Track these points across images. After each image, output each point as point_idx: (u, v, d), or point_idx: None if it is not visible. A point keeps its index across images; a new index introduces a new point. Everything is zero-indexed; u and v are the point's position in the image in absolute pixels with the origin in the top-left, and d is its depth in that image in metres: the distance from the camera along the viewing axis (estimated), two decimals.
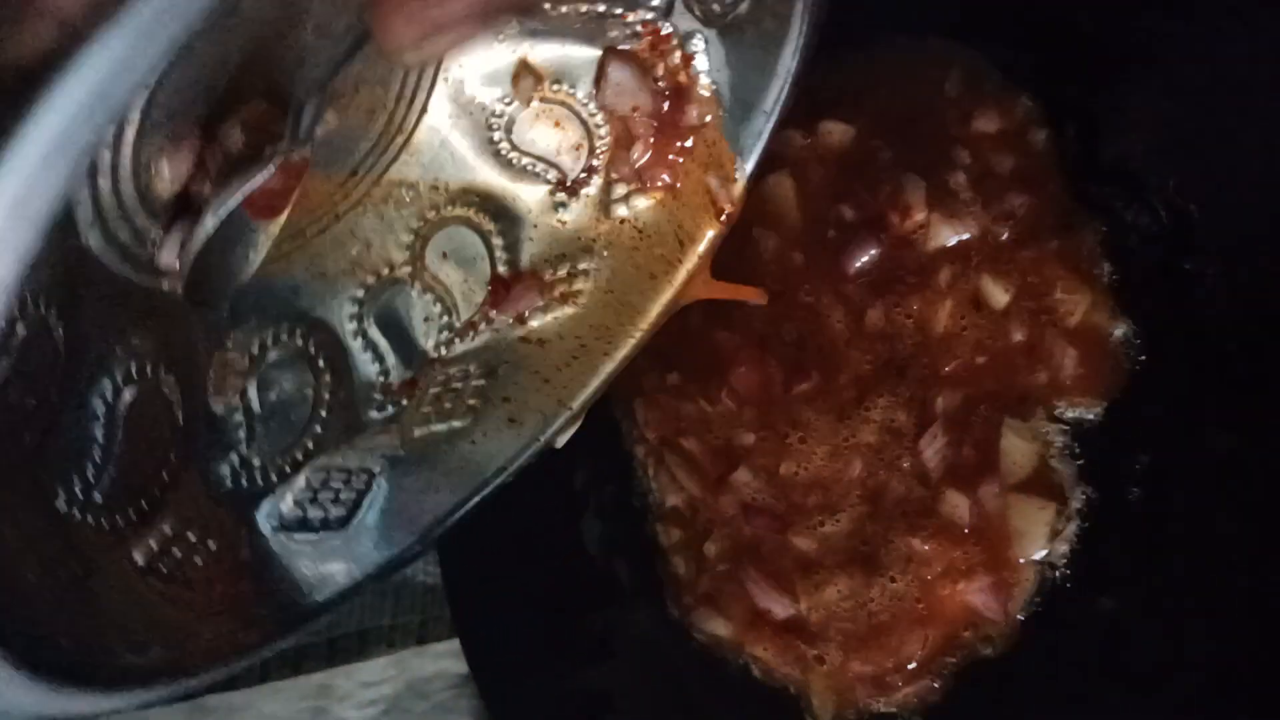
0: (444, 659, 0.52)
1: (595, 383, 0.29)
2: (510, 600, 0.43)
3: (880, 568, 0.33)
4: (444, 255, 0.27)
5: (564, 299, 0.29)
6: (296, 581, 0.26)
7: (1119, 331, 0.31)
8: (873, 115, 0.34)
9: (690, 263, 0.29)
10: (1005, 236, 0.32)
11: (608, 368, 0.29)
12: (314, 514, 0.26)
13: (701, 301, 0.36)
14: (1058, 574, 0.31)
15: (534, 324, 0.29)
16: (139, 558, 0.23)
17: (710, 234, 0.28)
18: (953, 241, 0.32)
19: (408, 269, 0.27)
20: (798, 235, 0.35)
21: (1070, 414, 0.31)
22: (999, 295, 0.31)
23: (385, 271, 0.27)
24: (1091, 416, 0.31)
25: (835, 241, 0.35)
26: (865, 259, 0.34)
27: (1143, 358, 0.31)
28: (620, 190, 0.28)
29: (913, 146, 0.33)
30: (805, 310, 0.35)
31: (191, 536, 0.24)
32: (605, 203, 0.28)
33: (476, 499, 0.29)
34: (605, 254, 0.29)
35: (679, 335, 0.37)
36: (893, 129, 0.33)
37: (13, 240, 0.14)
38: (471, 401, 0.28)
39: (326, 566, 0.26)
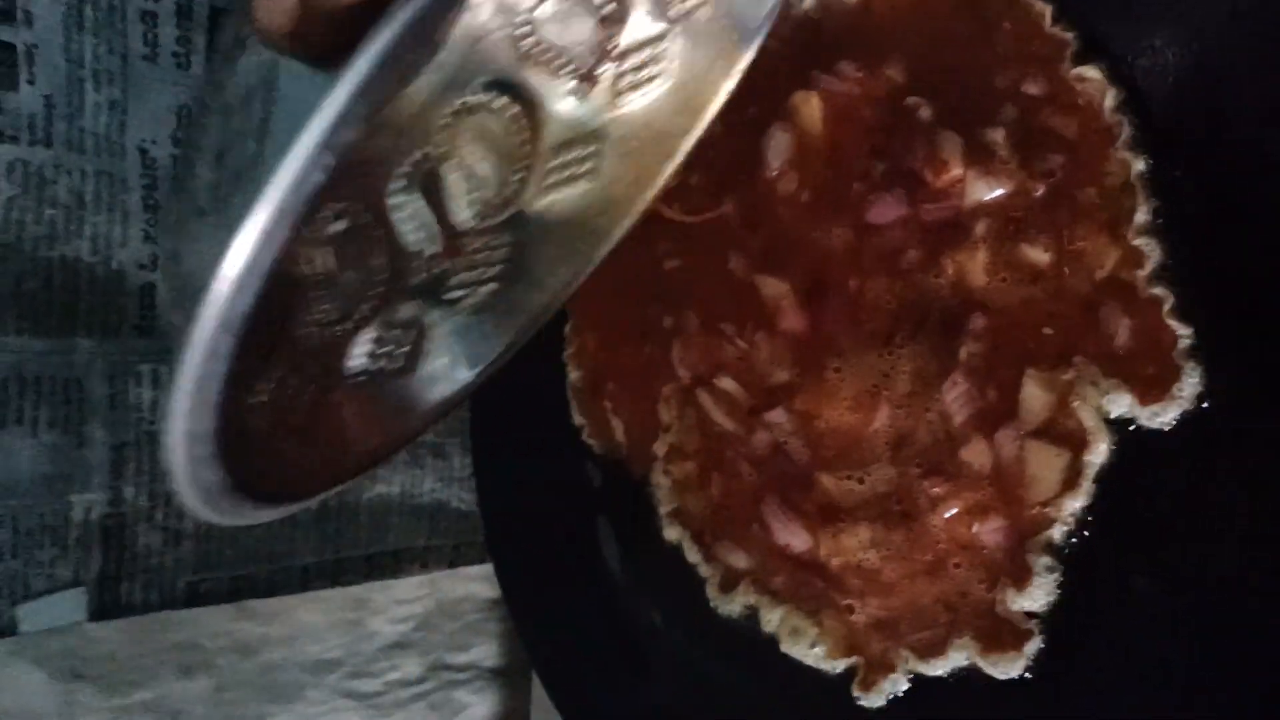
0: (474, 582, 0.55)
1: (609, 244, 0.35)
2: (542, 527, 0.45)
3: (903, 517, 0.35)
4: (474, 139, 0.31)
5: (580, 177, 0.33)
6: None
7: (1169, 305, 0.31)
8: (921, 65, 0.35)
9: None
10: (1041, 193, 0.33)
11: (618, 232, 0.35)
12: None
13: (744, 247, 0.38)
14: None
15: (554, 196, 0.33)
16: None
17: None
18: (988, 198, 0.33)
19: (445, 149, 0.30)
20: (816, 173, 0.37)
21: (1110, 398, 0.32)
22: (1038, 254, 0.32)
23: (427, 151, 0.30)
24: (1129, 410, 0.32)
25: (858, 193, 0.36)
26: (892, 215, 0.35)
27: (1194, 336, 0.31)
28: (630, 75, 0.32)
29: (955, 101, 0.34)
30: (835, 254, 0.36)
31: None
32: (617, 89, 0.32)
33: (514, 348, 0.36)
34: (615, 135, 0.33)
35: (722, 278, 0.39)
36: (939, 82, 0.34)
37: None
38: (501, 267, 0.33)
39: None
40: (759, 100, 0.38)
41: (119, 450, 0.42)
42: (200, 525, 0.44)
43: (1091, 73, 0.33)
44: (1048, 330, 0.33)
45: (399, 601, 0.52)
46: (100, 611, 0.41)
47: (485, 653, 0.57)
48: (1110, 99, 0.32)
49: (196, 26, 0.44)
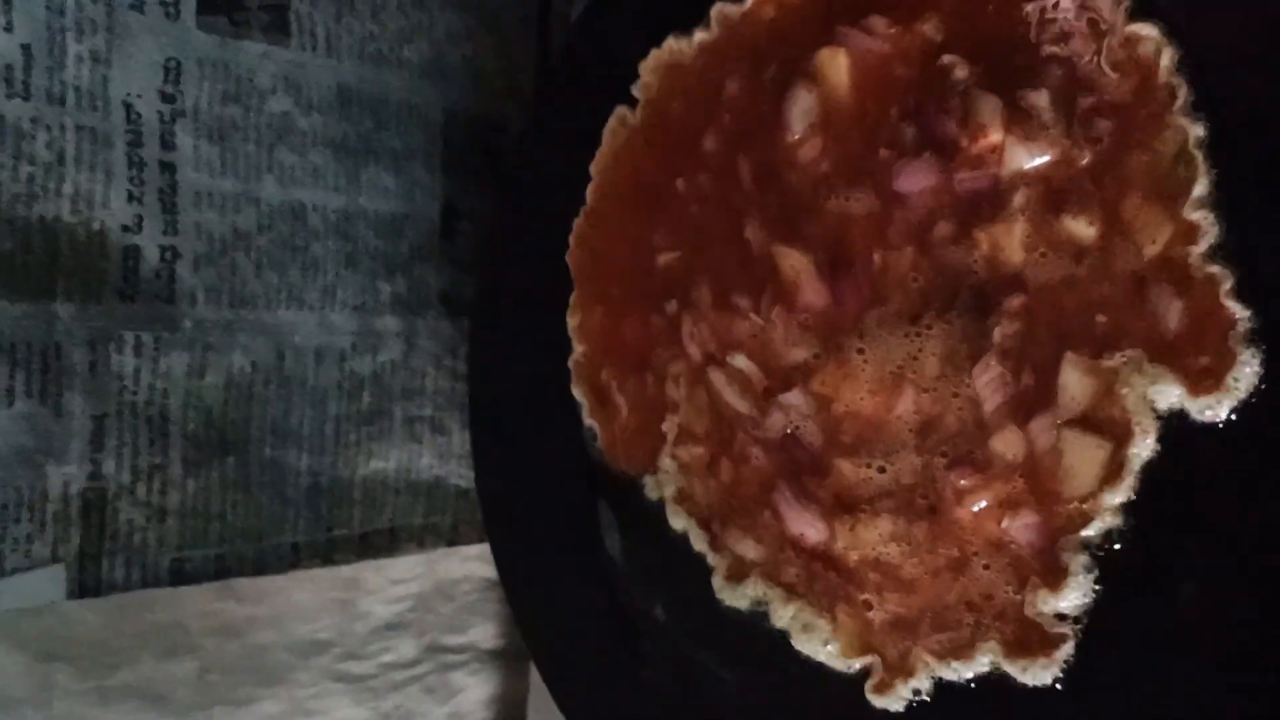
0: (472, 562, 0.53)
1: None
2: (541, 510, 0.43)
3: (927, 510, 0.32)
4: None
5: None
6: None
7: (1227, 285, 0.28)
8: (958, 21, 0.32)
9: None
10: (1086, 162, 0.30)
11: None
12: None
13: (762, 216, 0.35)
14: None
15: None
16: None
17: None
18: (1029, 166, 0.31)
19: None
20: (841, 138, 0.34)
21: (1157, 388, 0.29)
22: (1082, 228, 0.30)
23: None
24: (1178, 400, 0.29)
25: (886, 160, 0.33)
26: (922, 183, 0.32)
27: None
28: None
29: (995, 61, 0.31)
30: (861, 224, 0.33)
31: None
32: None
33: None
34: None
35: (736, 249, 0.36)
36: (978, 39, 0.31)
37: None
38: None
39: None
40: (779, 59, 0.35)
41: (99, 421, 0.40)
42: (185, 500, 0.42)
43: (1147, 29, 0.30)
44: (1090, 311, 0.30)
45: (394, 581, 0.51)
46: (80, 590, 0.40)
47: (483, 634, 0.55)
48: (1167, 58, 0.30)
49: None
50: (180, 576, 0.42)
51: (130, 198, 0.40)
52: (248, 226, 0.44)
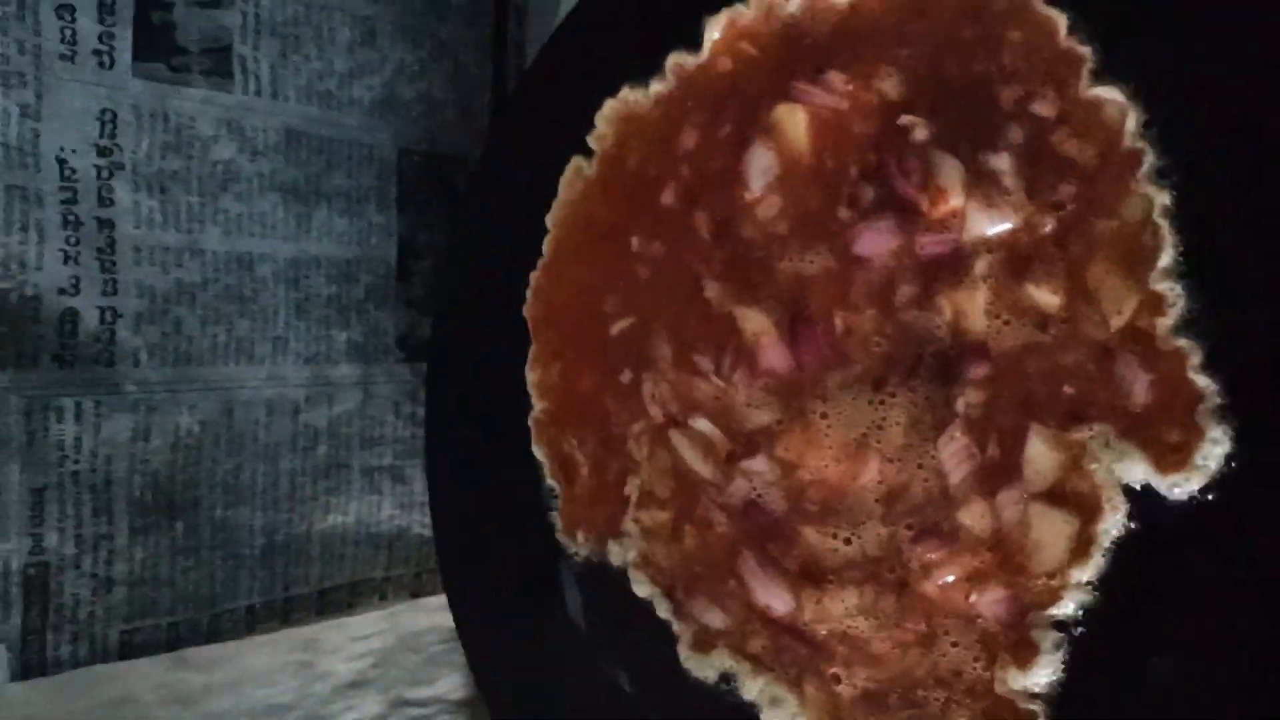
0: (438, 613, 0.51)
1: None
2: (501, 572, 0.42)
3: (894, 583, 0.31)
4: None
5: None
6: None
7: (1195, 359, 0.27)
8: (918, 78, 0.31)
9: None
10: (1050, 228, 0.29)
11: None
12: None
13: (722, 274, 0.34)
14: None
15: None
16: None
17: None
18: (991, 232, 0.30)
19: None
20: (800, 196, 0.33)
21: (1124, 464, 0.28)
22: (1046, 296, 0.29)
23: None
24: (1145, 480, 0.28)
25: (845, 220, 0.32)
26: (882, 247, 0.31)
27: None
28: None
29: (955, 121, 0.30)
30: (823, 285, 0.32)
31: None
32: None
33: None
34: None
35: (696, 308, 0.35)
36: (937, 98, 0.30)
37: None
38: None
39: None
40: (736, 115, 0.34)
41: (39, 493, 0.38)
42: (133, 569, 0.41)
43: (1111, 92, 0.29)
44: (1057, 381, 0.29)
45: (355, 638, 0.49)
46: (23, 671, 0.38)
47: (450, 685, 0.54)
48: (1132, 122, 0.29)
49: (120, 20, 0.40)
50: (130, 649, 0.41)
51: (66, 258, 0.39)
52: (192, 280, 0.42)
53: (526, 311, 0.40)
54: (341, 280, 0.47)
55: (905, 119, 0.31)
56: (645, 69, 0.37)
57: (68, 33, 0.39)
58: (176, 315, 0.42)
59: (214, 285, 0.43)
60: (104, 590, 0.40)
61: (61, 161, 0.39)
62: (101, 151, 0.40)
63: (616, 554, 0.38)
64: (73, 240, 0.39)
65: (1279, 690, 0.27)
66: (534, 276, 0.40)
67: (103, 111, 0.40)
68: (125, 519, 0.41)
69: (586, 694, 0.38)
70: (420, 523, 0.51)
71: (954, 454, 0.30)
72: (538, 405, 0.40)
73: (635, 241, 0.36)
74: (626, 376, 0.36)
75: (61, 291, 0.39)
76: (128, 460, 0.41)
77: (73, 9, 0.39)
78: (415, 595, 0.51)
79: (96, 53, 0.40)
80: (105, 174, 0.40)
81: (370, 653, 0.50)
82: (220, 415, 0.43)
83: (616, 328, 0.37)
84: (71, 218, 0.39)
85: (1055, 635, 0.29)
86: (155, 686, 0.42)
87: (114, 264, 0.40)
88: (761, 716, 0.34)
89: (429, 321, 0.49)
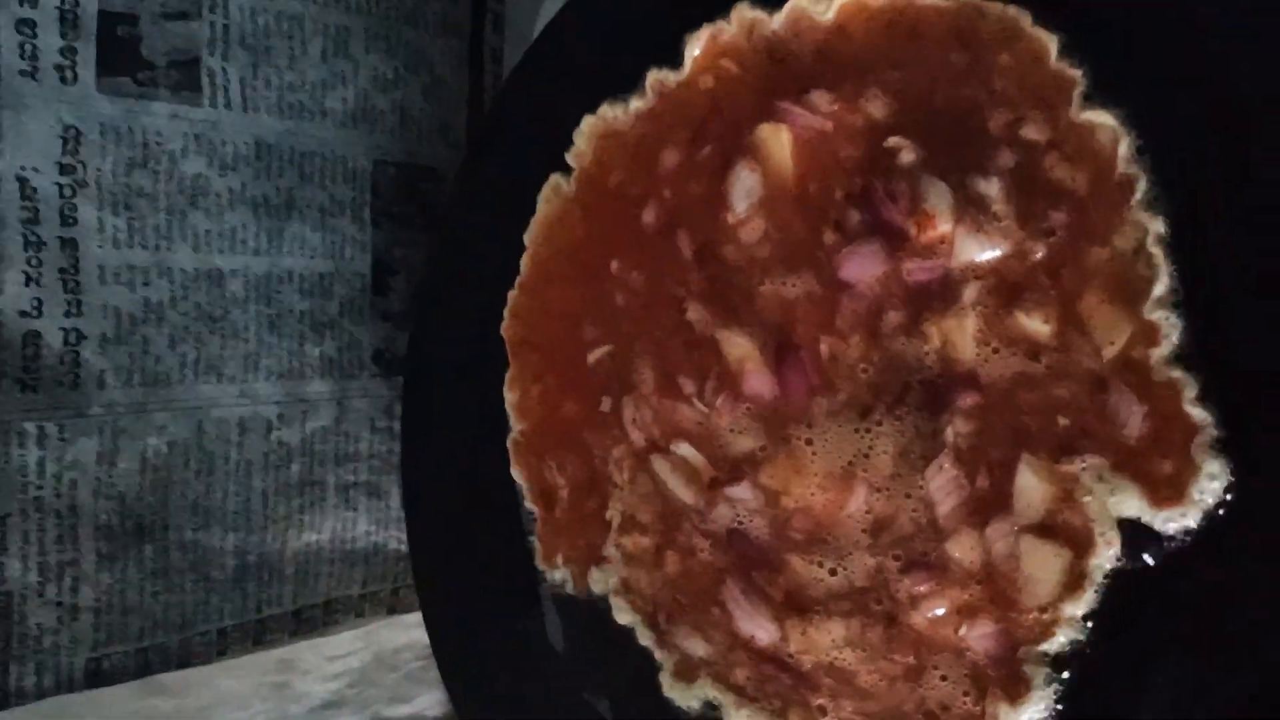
0: (415, 629, 0.50)
1: None
2: (479, 598, 0.41)
3: (881, 615, 0.31)
4: None
5: None
6: None
7: (1190, 391, 0.27)
8: (906, 100, 0.30)
9: None
10: (1040, 255, 0.28)
11: None
12: None
13: (705, 297, 0.33)
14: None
15: None
16: None
17: None
18: (980, 258, 0.29)
19: None
20: (784, 220, 0.32)
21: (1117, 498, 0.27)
22: (1037, 325, 0.28)
23: None
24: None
25: (832, 245, 0.31)
26: (869, 273, 0.30)
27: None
28: None
29: (943, 144, 0.29)
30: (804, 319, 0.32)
31: None
32: None
33: None
34: None
35: (679, 333, 0.35)
36: (926, 121, 0.30)
37: None
38: None
39: None
40: (719, 136, 0.33)
41: (2, 521, 0.37)
42: (100, 596, 0.40)
43: (1102, 117, 0.28)
44: (1049, 412, 0.28)
45: (331, 658, 0.48)
46: None
47: (429, 701, 0.53)
48: (1124, 148, 0.28)
49: (83, 35, 0.39)
50: (98, 677, 0.40)
51: (28, 280, 0.38)
52: (160, 299, 0.41)
53: (504, 331, 0.39)
54: (315, 295, 0.46)
55: (892, 141, 0.30)
56: (625, 85, 0.36)
57: (28, 48, 0.38)
58: (144, 335, 0.40)
59: (183, 303, 0.42)
60: (69, 618, 0.39)
61: (22, 180, 0.38)
62: (64, 170, 0.38)
63: (597, 580, 0.37)
64: (35, 261, 0.38)
65: None
66: (511, 296, 0.39)
67: (66, 129, 0.38)
68: (91, 544, 0.39)
69: None
70: (397, 538, 0.50)
71: (943, 485, 0.29)
72: (516, 426, 0.39)
73: (615, 265, 0.35)
74: (606, 404, 0.35)
75: (24, 314, 0.37)
76: (93, 484, 0.39)
77: (33, 24, 0.38)
78: (393, 611, 0.50)
79: (59, 68, 0.38)
80: (68, 192, 0.38)
81: (347, 672, 0.49)
82: (190, 435, 0.42)
83: (594, 356, 0.36)
84: (33, 238, 0.38)
85: (1046, 670, 0.29)
86: (125, 715, 0.41)
87: (78, 284, 0.39)
88: None
89: (405, 337, 0.48)
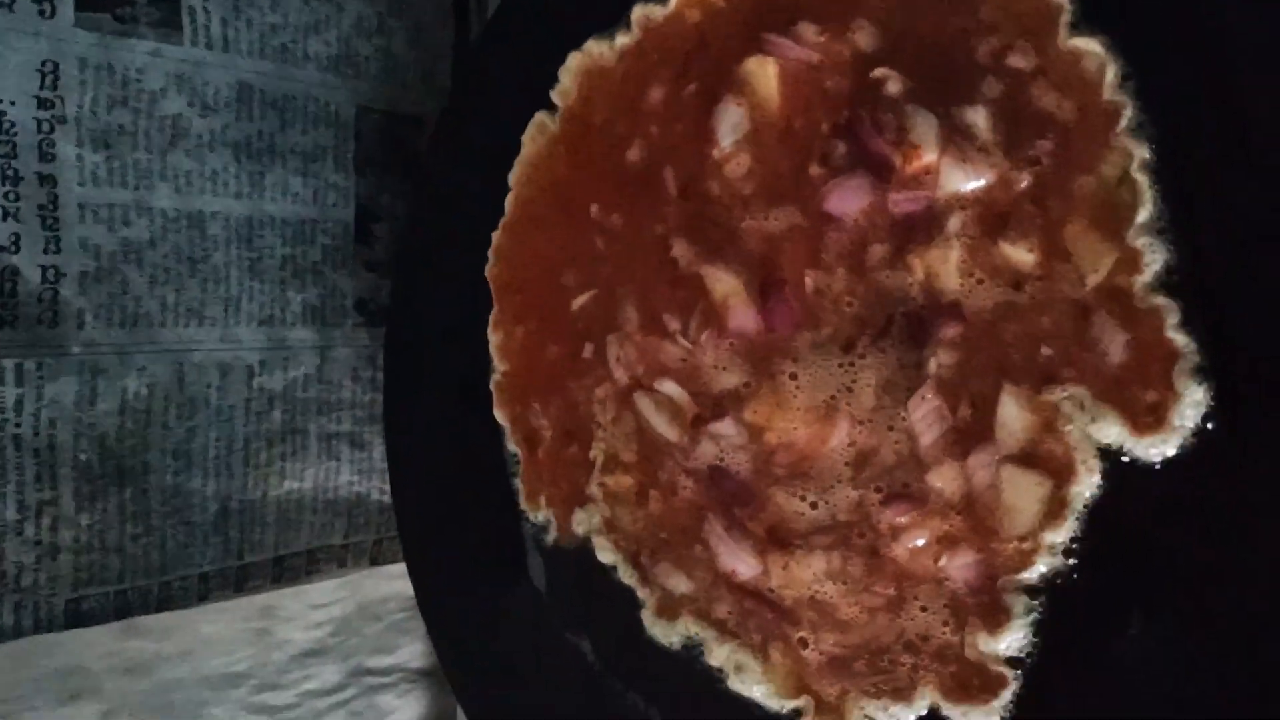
0: (398, 580, 0.50)
1: None
2: (462, 539, 0.41)
3: (862, 548, 0.31)
4: None
5: None
6: None
7: (1173, 318, 0.27)
8: (892, 31, 0.30)
9: None
10: (1026, 185, 0.28)
11: None
12: None
13: (690, 234, 0.33)
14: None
15: None
16: None
17: None
18: (965, 188, 0.29)
19: None
20: (770, 153, 0.32)
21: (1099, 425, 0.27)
22: (1021, 254, 0.28)
23: None
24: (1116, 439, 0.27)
25: (817, 178, 0.31)
26: (854, 205, 0.30)
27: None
28: None
29: (930, 74, 0.29)
30: (789, 247, 0.32)
31: None
32: None
33: None
34: None
35: (663, 271, 0.34)
36: (912, 51, 0.29)
37: None
38: None
39: None
40: (704, 72, 0.33)
41: None
42: (79, 536, 0.39)
43: (1090, 44, 0.28)
44: (1031, 342, 0.28)
45: (313, 606, 0.48)
46: None
47: (411, 653, 0.53)
48: (1111, 75, 0.28)
49: None
50: (78, 618, 0.40)
51: (5, 214, 0.37)
52: (140, 239, 0.41)
53: (488, 273, 0.39)
54: (297, 241, 0.46)
55: (879, 72, 0.30)
56: (610, 21, 0.36)
57: None
58: (124, 275, 0.40)
59: (163, 244, 0.41)
60: (49, 558, 0.39)
61: None
62: (42, 104, 0.38)
63: (580, 521, 0.37)
64: (12, 196, 0.37)
65: (1249, 656, 0.27)
66: (495, 237, 0.39)
67: (44, 63, 0.38)
68: (71, 485, 0.39)
69: (549, 663, 0.37)
70: (379, 489, 0.50)
71: (925, 415, 0.30)
72: (500, 368, 0.39)
73: (594, 209, 0.35)
74: (588, 351, 0.35)
75: (1, 249, 0.37)
76: (73, 424, 0.39)
77: None
78: (375, 562, 0.50)
79: (37, 1, 0.38)
80: (46, 128, 0.38)
81: (329, 620, 0.49)
82: (171, 378, 0.42)
83: (578, 302, 0.36)
84: (10, 172, 0.37)
85: (1026, 600, 0.29)
86: (105, 655, 0.41)
87: (57, 221, 0.38)
88: (727, 683, 0.34)
89: (388, 286, 0.48)
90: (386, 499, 0.50)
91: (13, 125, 0.37)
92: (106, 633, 0.41)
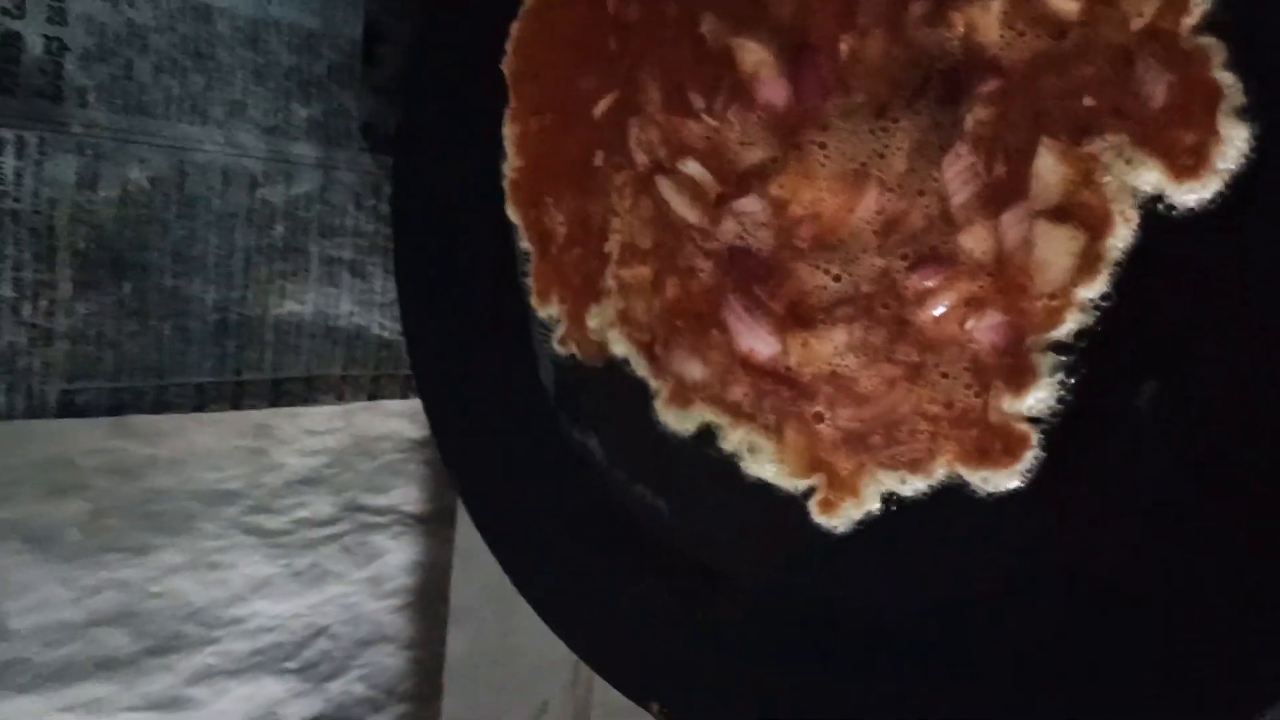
0: (395, 419, 0.50)
1: None
2: (472, 345, 0.40)
3: (887, 319, 0.30)
4: None
5: None
6: None
7: (1219, 58, 0.26)
8: None
9: None
10: None
11: None
12: None
13: (716, 7, 0.32)
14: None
15: None
16: None
17: None
18: None
19: None
20: None
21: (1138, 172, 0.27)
22: (1065, 1, 0.27)
23: None
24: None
25: None
26: None
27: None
28: None
29: None
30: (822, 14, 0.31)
31: None
32: None
33: None
34: None
35: (687, 49, 0.34)
36: None
37: None
38: None
39: None
40: None
41: None
42: (75, 325, 0.38)
43: None
44: (1070, 94, 0.28)
45: (309, 432, 0.47)
46: None
47: (406, 496, 0.52)
48: None
49: None
50: (70, 409, 0.39)
51: None
52: (144, 23, 0.39)
53: (505, 66, 0.38)
54: (303, 51, 0.45)
55: None
56: None
57: None
58: (127, 58, 0.39)
59: (168, 33, 0.40)
60: (43, 343, 0.38)
61: None
62: None
63: (594, 315, 0.36)
64: None
65: (1268, 416, 0.26)
66: (515, 27, 0.38)
67: None
68: (68, 270, 0.38)
69: (551, 459, 0.37)
70: (379, 324, 0.49)
71: (959, 173, 0.29)
72: (514, 164, 0.38)
73: (611, 2, 0.34)
74: (599, 159, 0.34)
75: (4, 11, 0.36)
76: (72, 207, 0.38)
77: None
78: (373, 397, 0.49)
79: None
80: None
81: (325, 450, 0.48)
82: (172, 175, 0.41)
83: (601, 107, 0.35)
84: None
85: (1054, 358, 0.28)
86: (92, 451, 0.40)
87: None
88: (741, 466, 0.33)
89: (394, 112, 0.47)
90: (387, 334, 0.49)
91: None
92: (95, 429, 0.40)
